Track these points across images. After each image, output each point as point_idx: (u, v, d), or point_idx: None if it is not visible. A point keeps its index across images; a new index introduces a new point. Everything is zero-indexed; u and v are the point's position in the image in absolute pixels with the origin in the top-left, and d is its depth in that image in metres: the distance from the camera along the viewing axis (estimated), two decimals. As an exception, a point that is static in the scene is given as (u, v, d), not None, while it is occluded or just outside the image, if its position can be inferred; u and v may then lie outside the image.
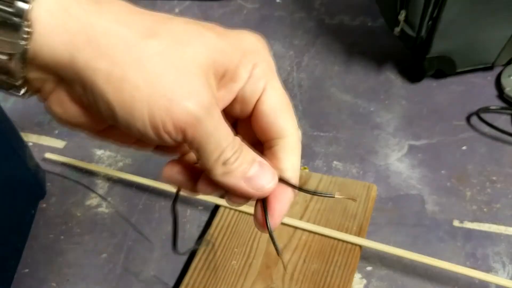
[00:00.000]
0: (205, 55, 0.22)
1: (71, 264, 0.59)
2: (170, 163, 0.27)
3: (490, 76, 0.73)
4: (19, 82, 0.21)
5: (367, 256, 0.55)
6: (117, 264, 0.58)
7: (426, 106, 0.71)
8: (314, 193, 0.28)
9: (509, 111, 0.67)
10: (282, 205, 0.26)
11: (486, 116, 0.66)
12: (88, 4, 0.21)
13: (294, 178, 0.26)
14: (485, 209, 0.57)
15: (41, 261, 0.60)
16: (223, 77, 0.24)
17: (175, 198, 0.29)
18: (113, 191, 0.66)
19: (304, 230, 0.55)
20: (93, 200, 0.65)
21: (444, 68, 0.71)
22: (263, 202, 0.26)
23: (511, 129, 0.64)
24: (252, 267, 0.53)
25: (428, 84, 0.74)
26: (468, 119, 0.68)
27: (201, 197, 0.61)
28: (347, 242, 0.53)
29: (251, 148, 0.25)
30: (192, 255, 0.57)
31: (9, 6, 0.19)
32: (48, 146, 0.74)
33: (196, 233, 0.60)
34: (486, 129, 0.65)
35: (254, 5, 0.93)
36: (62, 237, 0.62)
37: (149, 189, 0.65)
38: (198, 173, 0.26)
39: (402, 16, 0.67)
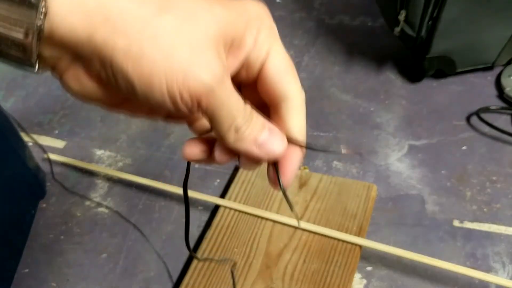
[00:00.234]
0: (215, 28, 0.23)
1: (71, 264, 0.59)
2: (188, 143, 0.28)
3: (490, 76, 0.73)
4: (34, 59, 0.22)
5: (367, 256, 0.55)
6: (117, 264, 0.58)
7: (426, 106, 0.71)
8: (321, 150, 0.30)
9: (509, 111, 0.67)
10: (292, 164, 0.27)
11: (486, 116, 0.66)
12: None
13: (301, 138, 0.28)
14: (485, 209, 0.57)
15: (41, 261, 0.60)
16: (231, 46, 0.25)
17: (186, 175, 0.30)
18: (113, 191, 0.66)
19: (304, 230, 0.55)
20: (93, 200, 0.65)
21: (444, 68, 0.71)
22: (274, 164, 0.27)
23: (511, 129, 0.64)
24: (252, 267, 0.53)
25: (428, 84, 0.74)
26: (468, 119, 0.68)
27: (201, 197, 0.61)
28: (347, 242, 0.53)
29: (260, 114, 0.26)
30: (192, 255, 0.57)
31: None
32: (48, 146, 0.74)
33: (196, 233, 0.60)
34: (486, 129, 0.65)
35: (254, 5, 0.93)
36: (62, 237, 0.62)
37: (149, 189, 0.65)
38: (213, 147, 0.28)
39: (402, 16, 0.67)
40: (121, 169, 0.69)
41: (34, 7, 0.20)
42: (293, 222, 0.56)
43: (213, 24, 0.23)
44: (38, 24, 0.21)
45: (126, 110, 0.27)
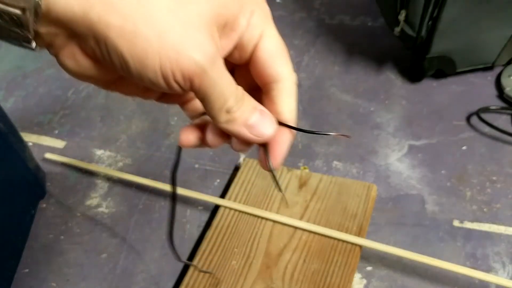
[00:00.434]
0: (209, 9, 0.24)
1: (71, 264, 0.59)
2: (184, 130, 0.29)
3: (490, 76, 0.73)
4: (31, 35, 0.22)
5: (367, 256, 0.55)
6: (117, 264, 0.58)
7: (426, 106, 0.71)
8: (310, 131, 0.31)
9: (509, 111, 0.67)
10: (282, 146, 0.28)
11: (486, 116, 0.66)
12: None
13: (291, 120, 0.28)
14: (485, 209, 0.57)
15: (41, 261, 0.60)
16: (224, 28, 0.25)
17: (176, 162, 0.30)
18: (113, 191, 0.66)
19: (304, 230, 0.55)
20: (93, 200, 0.66)
21: (444, 68, 0.71)
22: (264, 146, 0.28)
23: (511, 129, 0.64)
24: (252, 267, 0.53)
25: (428, 84, 0.74)
26: (468, 119, 0.68)
27: (201, 197, 0.61)
28: (347, 242, 0.53)
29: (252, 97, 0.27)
30: (192, 255, 0.57)
31: None
32: (48, 146, 0.74)
33: (196, 233, 0.60)
34: (486, 129, 0.65)
35: (254, 5, 0.93)
36: (62, 237, 0.62)
37: (149, 189, 0.65)
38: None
39: (402, 16, 0.67)
40: (121, 169, 0.69)
41: None
42: (293, 222, 0.56)
43: (207, 5, 0.23)
44: (36, 0, 0.21)
45: (121, 89, 0.27)
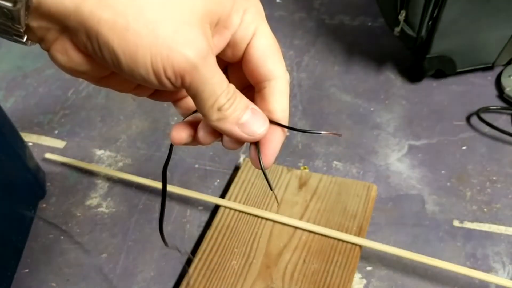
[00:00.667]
0: (201, 5, 0.23)
1: (71, 264, 0.59)
2: (175, 127, 0.29)
3: (490, 76, 0.73)
4: (23, 29, 0.22)
5: (367, 256, 0.55)
6: (117, 264, 0.58)
7: (426, 106, 0.71)
8: (302, 130, 0.31)
9: (509, 111, 0.67)
10: (274, 145, 0.28)
11: (486, 116, 0.66)
12: None
13: (283, 119, 0.28)
14: (485, 209, 0.57)
15: (41, 261, 0.60)
16: (217, 25, 0.25)
17: (168, 158, 0.30)
18: (113, 191, 0.66)
19: (304, 230, 0.55)
20: (93, 200, 0.65)
21: (444, 68, 0.71)
22: (256, 144, 0.28)
23: (511, 129, 0.64)
24: (252, 267, 0.53)
25: (428, 84, 0.74)
26: (468, 119, 0.68)
27: (201, 197, 0.61)
28: (347, 242, 0.53)
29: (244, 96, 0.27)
30: (192, 255, 0.57)
31: None
32: (48, 146, 0.74)
33: (196, 233, 0.60)
34: (486, 129, 0.65)
35: (254, 5, 0.93)
36: (62, 237, 0.62)
37: (149, 189, 0.65)
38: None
39: (402, 16, 0.67)
40: (121, 169, 0.69)
41: None
42: (293, 222, 0.56)
43: (199, 2, 0.23)
44: None
45: (113, 85, 0.27)
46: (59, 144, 0.75)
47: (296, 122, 0.71)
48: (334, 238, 0.54)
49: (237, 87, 0.26)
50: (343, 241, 0.54)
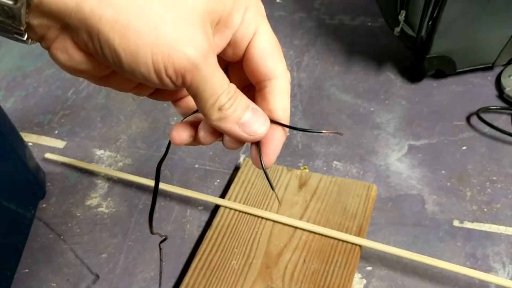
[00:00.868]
0: (202, 4, 0.23)
1: (71, 264, 0.59)
2: (175, 127, 0.29)
3: (490, 76, 0.73)
4: (23, 27, 0.22)
5: (367, 256, 0.55)
6: (117, 264, 0.58)
7: (426, 106, 0.71)
8: (303, 130, 0.31)
9: (509, 111, 0.67)
10: (275, 144, 0.28)
11: (486, 116, 0.66)
12: None
13: (284, 118, 0.28)
14: (485, 209, 0.57)
15: (41, 261, 0.60)
16: (218, 24, 0.25)
17: (164, 155, 0.30)
18: (113, 191, 0.66)
19: (304, 230, 0.55)
20: (93, 200, 0.66)
21: (444, 68, 0.71)
22: (257, 144, 0.28)
23: (511, 129, 0.64)
24: (252, 267, 0.53)
25: (428, 84, 0.74)
26: (468, 119, 0.68)
27: (201, 197, 0.61)
28: (347, 242, 0.53)
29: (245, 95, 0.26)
30: (192, 255, 0.57)
31: None
32: (48, 146, 0.74)
33: (196, 233, 0.60)
34: (486, 129, 0.65)
35: (254, 5, 0.93)
36: (62, 237, 0.62)
37: (149, 189, 0.65)
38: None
39: (402, 16, 0.67)
40: (121, 169, 0.69)
41: None
42: (293, 222, 0.56)
43: (200, 1, 0.23)
44: None
45: (114, 84, 0.27)
46: (59, 144, 0.75)
47: (296, 122, 0.71)
48: (334, 238, 0.54)
49: (238, 86, 0.26)
50: (343, 241, 0.54)
